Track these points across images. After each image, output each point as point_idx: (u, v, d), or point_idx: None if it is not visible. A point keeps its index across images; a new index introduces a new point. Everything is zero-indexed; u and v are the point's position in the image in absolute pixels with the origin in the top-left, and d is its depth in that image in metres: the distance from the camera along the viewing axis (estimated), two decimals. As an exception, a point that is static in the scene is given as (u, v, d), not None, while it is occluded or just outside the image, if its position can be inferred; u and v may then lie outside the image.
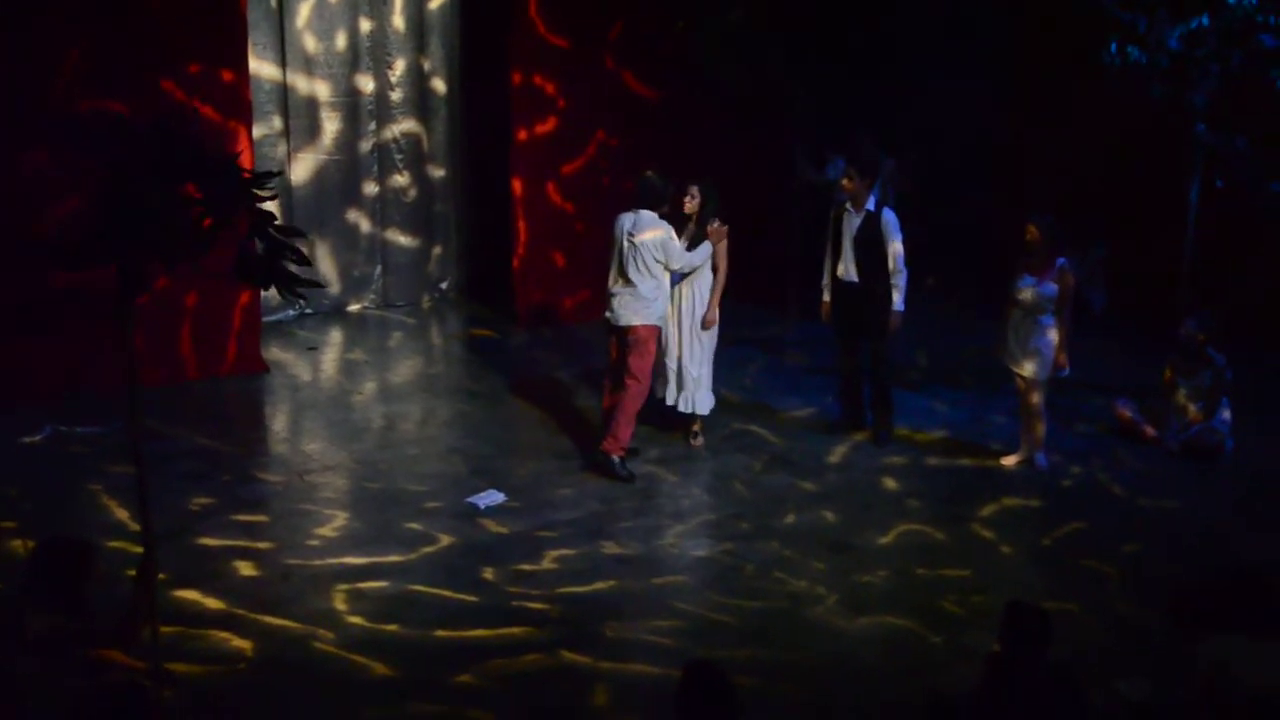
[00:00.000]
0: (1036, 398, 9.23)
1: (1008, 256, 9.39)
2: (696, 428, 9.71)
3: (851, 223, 9.54)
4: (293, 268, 5.79)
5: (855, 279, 9.57)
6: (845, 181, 9.54)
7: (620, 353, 9.25)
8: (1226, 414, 9.61)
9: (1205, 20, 9.88)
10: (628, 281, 9.06)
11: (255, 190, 5.66)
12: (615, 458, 9.15)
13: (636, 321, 9.09)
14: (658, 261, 9.04)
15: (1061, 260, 9.05)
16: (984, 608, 7.40)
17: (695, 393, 9.52)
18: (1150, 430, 9.79)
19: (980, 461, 9.55)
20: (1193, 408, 9.66)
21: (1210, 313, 9.90)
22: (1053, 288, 9.00)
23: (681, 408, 9.58)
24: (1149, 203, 12.02)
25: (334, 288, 12.39)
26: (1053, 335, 9.08)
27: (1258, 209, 10.56)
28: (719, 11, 11.87)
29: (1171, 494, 9.10)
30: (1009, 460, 9.48)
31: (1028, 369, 9.17)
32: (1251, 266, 11.53)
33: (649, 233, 9.02)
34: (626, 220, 9.12)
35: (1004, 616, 5.49)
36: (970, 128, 13.11)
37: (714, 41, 11.80)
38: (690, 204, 9.37)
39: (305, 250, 5.88)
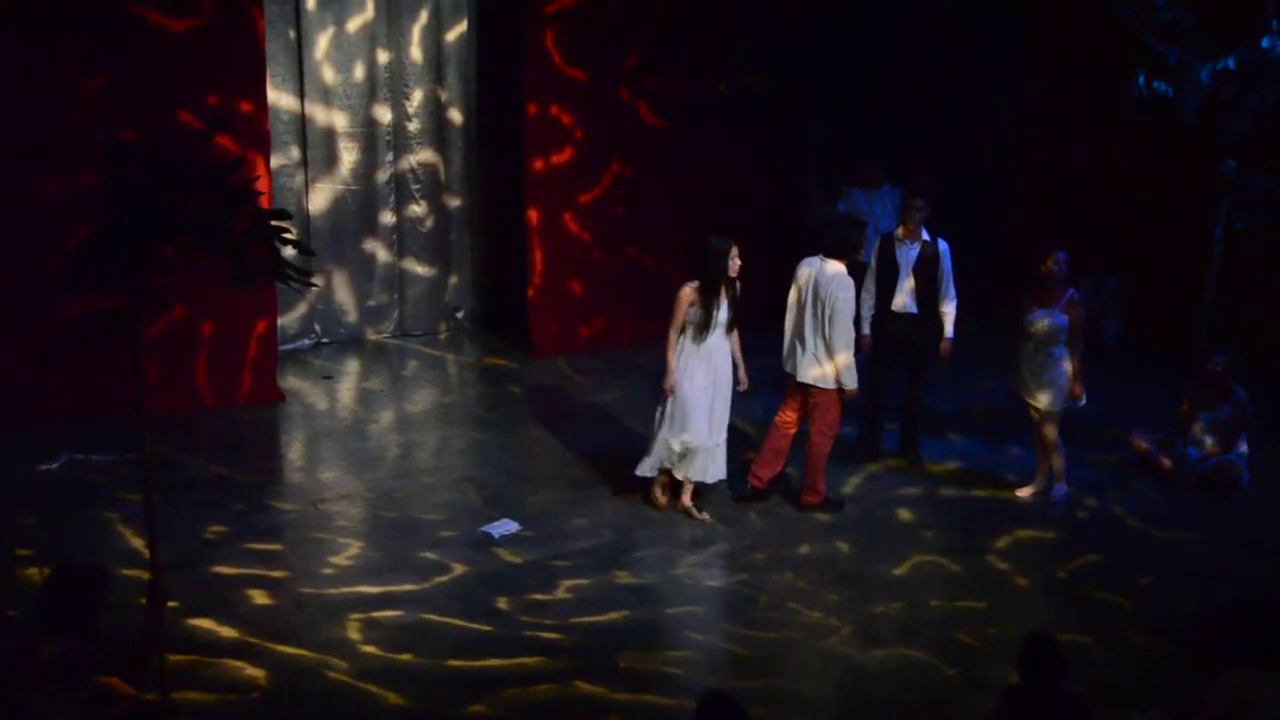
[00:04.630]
0: (1051, 429, 9.20)
1: (1022, 287, 9.38)
2: (689, 500, 8.95)
3: (909, 253, 9.57)
4: (289, 252, 5.79)
5: (914, 309, 9.60)
6: (915, 212, 9.54)
7: (802, 405, 8.99)
8: (1243, 447, 9.56)
9: (1231, 64, 9.85)
10: (806, 335, 8.76)
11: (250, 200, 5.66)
12: (823, 502, 9.08)
13: (818, 383, 8.80)
14: (841, 316, 8.59)
15: (1072, 291, 9.05)
16: (999, 640, 7.37)
17: (711, 461, 8.86)
18: (1166, 462, 9.74)
19: (995, 493, 9.52)
20: (1209, 440, 9.61)
21: (1235, 347, 9.87)
22: (1064, 319, 8.99)
23: (695, 478, 8.84)
24: (1170, 234, 11.99)
25: (351, 317, 12.43)
26: (1067, 366, 9.07)
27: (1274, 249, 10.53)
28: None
29: (1187, 526, 9.06)
30: (1024, 492, 9.45)
31: (1042, 401, 9.15)
32: (1271, 301, 11.48)
33: (835, 286, 8.63)
34: (811, 267, 8.78)
35: (1020, 649, 5.47)
36: (989, 158, 13.11)
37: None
38: (735, 266, 8.67)
39: (294, 232, 5.82)
